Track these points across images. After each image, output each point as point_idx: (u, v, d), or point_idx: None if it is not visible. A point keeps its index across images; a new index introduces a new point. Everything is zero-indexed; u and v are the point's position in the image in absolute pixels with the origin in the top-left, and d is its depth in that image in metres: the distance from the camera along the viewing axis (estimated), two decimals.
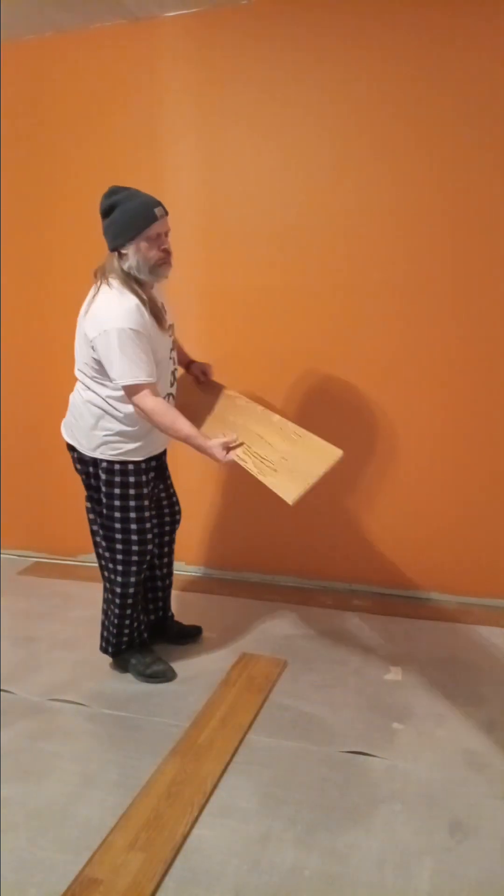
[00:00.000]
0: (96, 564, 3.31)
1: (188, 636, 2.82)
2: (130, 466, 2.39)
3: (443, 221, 2.88)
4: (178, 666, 2.61)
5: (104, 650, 2.60)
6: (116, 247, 2.23)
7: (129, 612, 2.53)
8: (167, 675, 2.55)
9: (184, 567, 3.52)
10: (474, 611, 3.05)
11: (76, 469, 2.49)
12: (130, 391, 2.23)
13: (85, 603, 3.14)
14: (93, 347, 2.24)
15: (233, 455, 2.27)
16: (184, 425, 2.26)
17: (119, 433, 2.35)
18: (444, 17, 2.73)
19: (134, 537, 2.44)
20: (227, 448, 2.28)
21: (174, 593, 3.26)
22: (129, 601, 2.52)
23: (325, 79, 2.91)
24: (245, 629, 2.91)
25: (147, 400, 2.23)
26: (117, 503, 2.40)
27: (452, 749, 2.14)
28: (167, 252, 2.27)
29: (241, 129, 3.04)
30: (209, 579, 3.44)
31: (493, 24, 2.69)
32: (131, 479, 2.40)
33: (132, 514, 2.42)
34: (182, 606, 3.11)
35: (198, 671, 2.59)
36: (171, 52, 3.05)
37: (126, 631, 2.55)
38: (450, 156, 2.82)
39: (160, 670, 2.56)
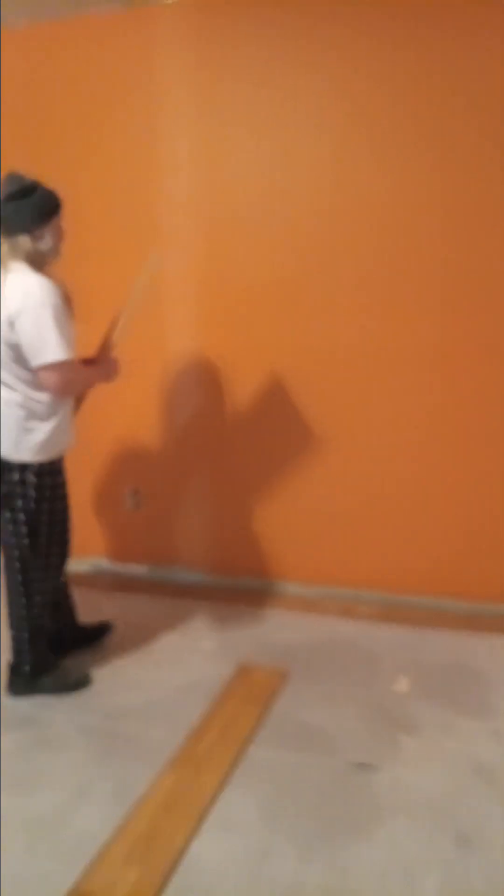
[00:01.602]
0: (91, 569, 3.27)
1: (100, 635, 2.79)
2: (55, 465, 2.39)
3: (445, 215, 2.86)
4: (177, 676, 2.57)
5: (34, 673, 2.47)
6: (35, 226, 2.26)
7: (45, 622, 2.50)
8: (89, 678, 2.54)
9: (181, 572, 3.48)
10: (484, 618, 3.00)
11: None
12: (63, 368, 2.22)
13: (81, 610, 3.09)
14: (14, 328, 2.19)
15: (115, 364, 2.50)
16: (84, 368, 2.41)
17: (44, 430, 2.31)
18: (447, 10, 2.73)
19: (68, 536, 2.46)
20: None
21: (175, 601, 3.23)
22: (48, 606, 2.50)
23: (325, 68, 2.89)
24: (245, 638, 2.87)
25: (74, 373, 2.29)
26: (46, 506, 2.36)
27: (460, 761, 2.09)
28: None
29: (239, 118, 3.03)
30: (208, 585, 3.39)
31: (497, 17, 2.68)
32: (59, 479, 2.41)
33: (64, 514, 2.44)
34: (181, 613, 3.07)
35: (196, 681, 2.54)
36: (169, 39, 3.05)
37: (43, 646, 2.50)
38: (451, 149, 2.81)
39: (82, 676, 2.53)
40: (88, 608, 2.93)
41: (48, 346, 2.17)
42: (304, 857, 1.73)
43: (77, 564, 3.57)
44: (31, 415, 2.28)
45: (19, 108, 3.31)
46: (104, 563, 3.56)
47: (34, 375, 2.24)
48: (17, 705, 2.41)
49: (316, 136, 2.96)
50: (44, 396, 2.27)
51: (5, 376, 2.26)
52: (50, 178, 3.29)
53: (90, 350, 2.52)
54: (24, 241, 2.25)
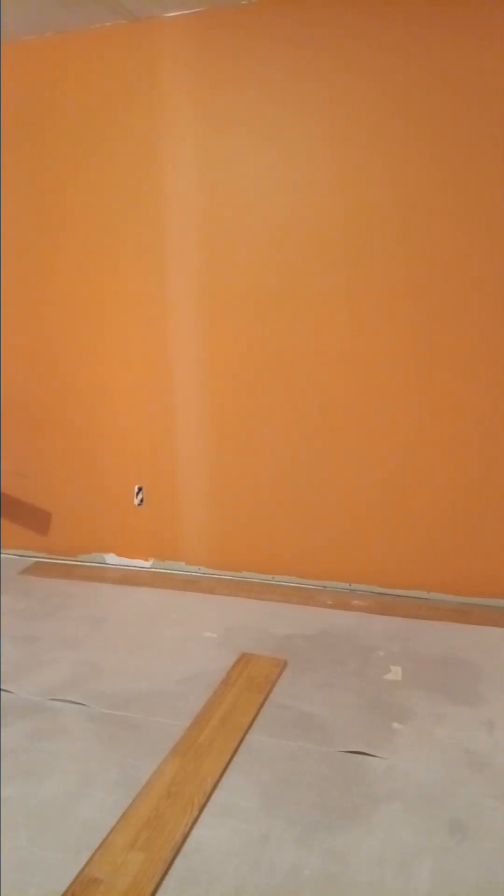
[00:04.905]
0: (96, 564, 3.31)
1: None
2: None
3: (444, 222, 2.88)
4: (180, 665, 2.61)
5: None
6: None
7: None
8: None
9: (184, 567, 3.52)
10: (474, 611, 3.06)
11: None
12: None
13: (85, 603, 3.14)
14: None
15: None
16: None
17: None
18: (446, 16, 2.73)
19: None
20: None
21: (178, 594, 3.28)
22: None
23: (325, 79, 2.90)
24: (245, 629, 2.92)
25: None
26: None
27: (452, 749, 2.14)
28: None
29: (241, 129, 3.05)
30: (209, 579, 3.44)
31: (495, 21, 2.69)
32: None
33: None
34: (182, 606, 3.12)
35: (198, 671, 2.59)
36: (171, 52, 3.06)
37: None
38: (451, 156, 2.82)
39: None
40: (95, 602, 2.97)
41: None
42: (303, 843, 1.77)
43: (84, 560, 3.63)
44: None
45: (20, 120, 3.31)
46: (111, 557, 3.62)
47: None
48: (23, 695, 2.45)
49: (316, 143, 2.97)
50: None
51: None
52: (51, 189, 3.32)
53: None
54: None
